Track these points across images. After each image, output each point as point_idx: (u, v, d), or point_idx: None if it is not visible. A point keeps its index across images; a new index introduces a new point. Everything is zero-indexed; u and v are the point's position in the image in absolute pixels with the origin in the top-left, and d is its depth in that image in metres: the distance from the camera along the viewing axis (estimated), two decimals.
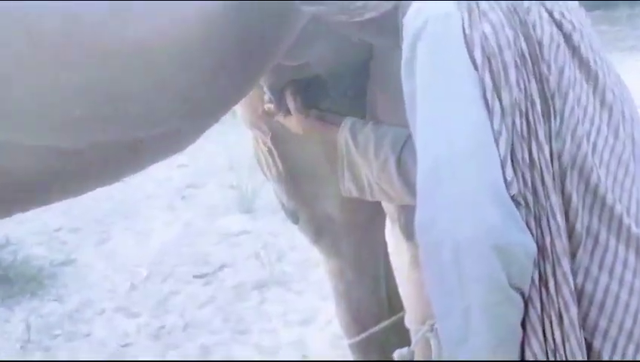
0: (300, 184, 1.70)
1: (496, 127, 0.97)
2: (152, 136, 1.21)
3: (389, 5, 1.12)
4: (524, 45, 1.00)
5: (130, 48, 1.05)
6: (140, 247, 3.34)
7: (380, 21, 1.14)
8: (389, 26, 1.13)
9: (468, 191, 0.95)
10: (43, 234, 3.42)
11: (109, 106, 1.10)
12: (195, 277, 3.09)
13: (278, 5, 1.18)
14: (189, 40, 1.09)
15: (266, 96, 1.55)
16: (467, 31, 0.99)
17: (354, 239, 1.75)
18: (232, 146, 3.70)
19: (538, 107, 0.99)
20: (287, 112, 1.53)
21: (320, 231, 1.76)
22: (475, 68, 0.98)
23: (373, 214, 1.68)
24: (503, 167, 0.96)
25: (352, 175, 1.46)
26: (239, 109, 1.63)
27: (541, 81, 1.00)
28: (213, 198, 3.78)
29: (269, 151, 1.67)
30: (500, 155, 0.96)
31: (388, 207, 1.59)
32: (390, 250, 1.64)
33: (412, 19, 1.03)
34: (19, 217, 1.40)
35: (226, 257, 3.22)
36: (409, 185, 1.33)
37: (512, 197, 0.95)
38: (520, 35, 1.01)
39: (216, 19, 1.10)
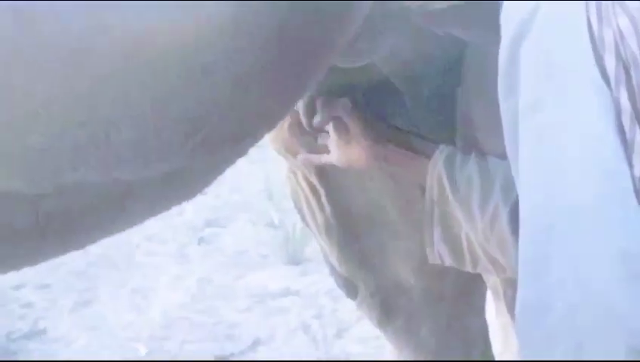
0: (357, 238, 1.71)
1: (637, 172, 0.97)
2: (147, 178, 1.23)
3: None
4: None
5: (114, 50, 1.07)
6: (137, 313, 3.39)
7: (469, 9, 1.15)
8: (486, 14, 1.14)
9: (596, 263, 0.95)
10: None
11: (82, 132, 1.12)
12: (217, 359, 3.11)
13: None
14: (202, 41, 1.11)
15: (302, 111, 1.57)
16: (595, 26, 0.99)
17: (438, 320, 1.76)
18: (271, 166, 3.73)
19: None
20: (344, 135, 1.54)
21: (388, 310, 1.77)
22: (606, 81, 0.98)
23: (468, 283, 1.68)
24: None
25: (446, 233, 1.47)
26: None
27: None
28: (242, 242, 3.83)
29: (313, 189, 1.70)
30: None
31: (489, 277, 1.59)
32: (493, 336, 1.63)
33: (514, 7, 1.04)
34: None
35: (260, 330, 3.25)
36: None
37: None
38: None
39: (244, 12, 1.12)
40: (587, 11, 1.00)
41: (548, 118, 1.00)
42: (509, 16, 1.03)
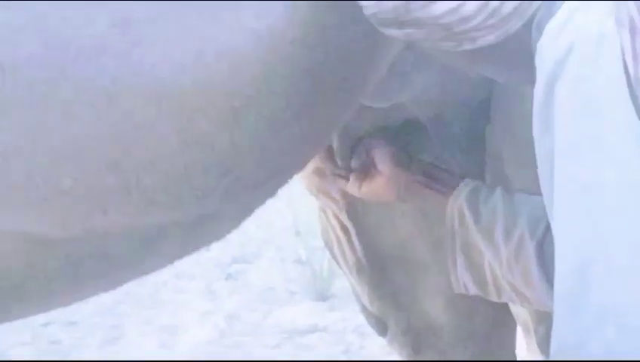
0: (388, 277, 1.71)
1: None
2: (178, 221, 1.23)
3: (516, 26, 1.11)
4: None
5: (147, 92, 1.07)
6: (165, 350, 3.40)
7: (503, 48, 1.14)
8: (518, 55, 1.13)
9: (631, 300, 0.94)
10: (26, 331, 3.50)
11: (113, 175, 1.12)
12: None
13: (368, 28, 1.19)
14: (234, 85, 1.11)
15: (335, 149, 1.57)
16: (630, 65, 0.97)
17: (469, 357, 1.75)
18: (298, 202, 3.74)
19: None
20: (365, 175, 1.53)
21: (419, 347, 1.76)
22: None
23: (498, 320, 1.67)
24: None
25: (469, 262, 1.46)
26: None
27: None
28: (270, 279, 3.83)
29: (343, 228, 1.70)
30: None
31: (520, 313, 1.58)
32: None
33: (549, 45, 1.03)
34: None
35: None
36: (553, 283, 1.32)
37: None
38: None
39: (277, 50, 1.11)
40: (622, 51, 0.98)
41: (585, 161, 0.99)
42: (544, 56, 1.02)
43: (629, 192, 0.97)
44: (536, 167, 1.05)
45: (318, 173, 1.63)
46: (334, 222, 1.72)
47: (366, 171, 1.53)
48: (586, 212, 0.98)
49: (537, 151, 1.04)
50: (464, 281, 1.47)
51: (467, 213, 1.43)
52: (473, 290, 1.48)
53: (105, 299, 3.66)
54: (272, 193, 1.32)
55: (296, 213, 3.87)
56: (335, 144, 1.57)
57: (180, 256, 1.32)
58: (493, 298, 1.46)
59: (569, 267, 0.98)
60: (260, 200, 1.33)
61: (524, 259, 1.37)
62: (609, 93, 0.98)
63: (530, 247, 1.35)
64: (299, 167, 1.36)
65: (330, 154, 1.58)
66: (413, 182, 1.50)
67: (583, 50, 1.00)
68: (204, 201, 1.19)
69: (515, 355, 1.77)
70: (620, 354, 0.93)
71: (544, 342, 1.59)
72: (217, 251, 4.01)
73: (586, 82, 1.00)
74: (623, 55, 0.97)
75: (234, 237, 4.16)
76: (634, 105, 0.96)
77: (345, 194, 1.64)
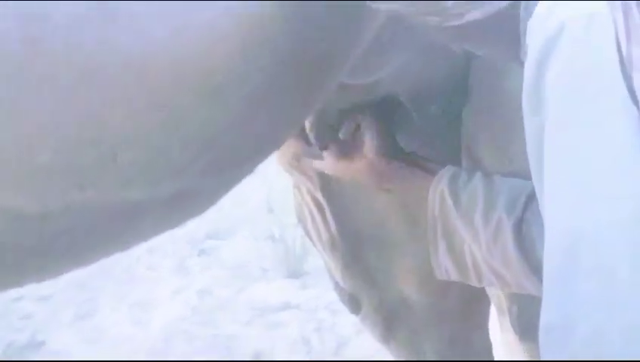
0: (362, 254, 1.72)
1: None
2: (155, 197, 1.22)
3: (503, 4, 1.11)
4: None
5: (124, 69, 1.07)
6: (137, 326, 3.40)
7: (489, 25, 1.14)
8: (504, 32, 1.13)
9: (621, 286, 0.94)
10: None
11: (90, 152, 1.11)
12: None
13: (346, 4, 1.19)
14: (212, 62, 1.10)
15: (308, 125, 1.57)
16: (623, 44, 0.97)
17: (441, 336, 1.76)
18: (273, 179, 3.74)
19: None
20: (355, 152, 1.53)
21: (391, 325, 1.77)
22: (635, 103, 0.97)
23: (471, 300, 1.68)
24: None
25: (450, 247, 1.46)
26: None
27: None
28: (243, 255, 3.83)
29: (318, 205, 1.70)
30: None
31: (494, 292, 1.59)
32: (497, 352, 1.63)
33: (540, 24, 1.02)
34: None
35: (260, 343, 3.25)
36: (534, 266, 1.33)
37: None
38: None
39: (256, 26, 1.11)
40: (616, 30, 0.98)
41: (575, 138, 0.98)
42: (535, 34, 1.02)
43: (620, 171, 0.97)
44: (512, 150, 1.05)
45: (293, 149, 1.63)
46: (308, 199, 1.72)
47: (346, 150, 1.54)
48: (576, 190, 0.98)
49: (527, 130, 1.03)
50: (446, 267, 1.48)
51: (448, 199, 1.43)
52: (454, 276, 1.48)
53: (78, 274, 3.62)
54: (250, 171, 1.32)
55: (270, 191, 3.86)
56: (310, 121, 1.56)
57: (157, 233, 1.31)
58: (474, 283, 1.46)
59: (558, 244, 0.97)
60: (238, 178, 1.33)
61: (502, 241, 1.37)
62: (601, 72, 0.98)
63: (507, 228, 1.36)
64: (277, 144, 1.36)
65: (302, 132, 1.58)
66: (394, 170, 1.51)
67: (574, 28, 0.99)
68: (182, 178, 1.19)
69: (488, 335, 1.78)
70: (609, 334, 0.92)
71: (518, 322, 1.60)
72: (191, 227, 4.00)
73: (577, 61, 0.99)
74: (617, 34, 0.98)
75: (208, 213, 4.15)
76: (626, 85, 0.97)
77: (319, 171, 1.64)
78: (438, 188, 1.44)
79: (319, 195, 1.68)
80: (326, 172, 1.56)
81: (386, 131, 1.53)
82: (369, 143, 1.51)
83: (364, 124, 1.53)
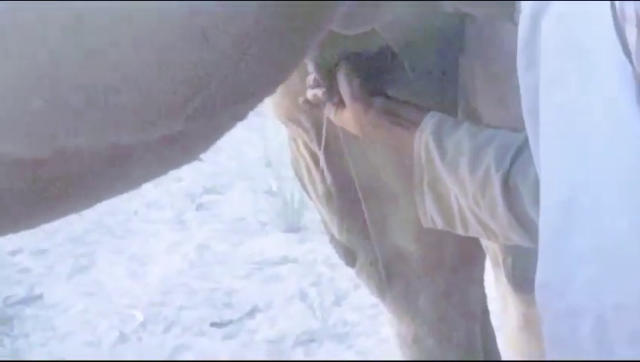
0: (357, 207, 1.71)
1: None
2: (146, 142, 1.22)
3: None
4: None
5: (112, 14, 1.06)
6: (135, 280, 3.41)
7: None
8: None
9: (617, 238, 0.94)
10: None
11: (81, 96, 1.11)
12: (213, 325, 3.14)
13: None
14: (200, 5, 1.09)
15: (310, 78, 1.56)
16: None
17: (436, 289, 1.76)
18: (270, 134, 3.73)
19: None
20: (341, 102, 1.53)
21: (387, 277, 1.77)
22: (627, 56, 0.97)
23: (467, 253, 1.68)
24: None
25: (436, 198, 1.46)
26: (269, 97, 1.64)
27: None
28: (241, 209, 3.84)
29: (314, 158, 1.69)
30: None
31: (489, 245, 1.59)
32: (491, 306, 1.64)
33: None
34: None
35: (258, 297, 3.27)
36: (520, 218, 1.33)
37: None
38: None
39: None
40: None
41: (570, 95, 0.99)
42: None
43: (615, 127, 0.97)
44: (507, 103, 1.05)
45: (290, 99, 1.62)
46: (304, 151, 1.71)
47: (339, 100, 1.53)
48: (572, 144, 0.98)
49: (522, 86, 1.03)
50: (432, 215, 1.48)
51: (433, 148, 1.43)
52: (441, 224, 1.48)
53: (75, 227, 3.66)
54: (241, 117, 1.31)
55: (268, 144, 3.86)
56: (311, 70, 1.55)
57: (147, 179, 1.31)
58: (460, 231, 1.47)
59: (554, 200, 0.97)
60: (229, 124, 1.32)
61: (490, 192, 1.37)
62: (595, 27, 0.98)
63: (495, 180, 1.36)
64: (268, 90, 1.35)
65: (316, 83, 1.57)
66: (375, 118, 1.50)
67: None
68: (172, 122, 1.19)
69: (483, 287, 1.79)
70: (604, 289, 0.93)
71: (512, 274, 1.61)
72: (188, 181, 4.01)
73: (571, 17, 0.99)
74: None
75: (205, 167, 4.19)
76: (620, 41, 0.97)
77: (316, 123, 1.64)
78: (423, 137, 1.43)
79: (315, 147, 1.68)
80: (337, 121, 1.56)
81: (365, 77, 1.52)
82: (344, 89, 1.51)
83: (337, 70, 1.52)
